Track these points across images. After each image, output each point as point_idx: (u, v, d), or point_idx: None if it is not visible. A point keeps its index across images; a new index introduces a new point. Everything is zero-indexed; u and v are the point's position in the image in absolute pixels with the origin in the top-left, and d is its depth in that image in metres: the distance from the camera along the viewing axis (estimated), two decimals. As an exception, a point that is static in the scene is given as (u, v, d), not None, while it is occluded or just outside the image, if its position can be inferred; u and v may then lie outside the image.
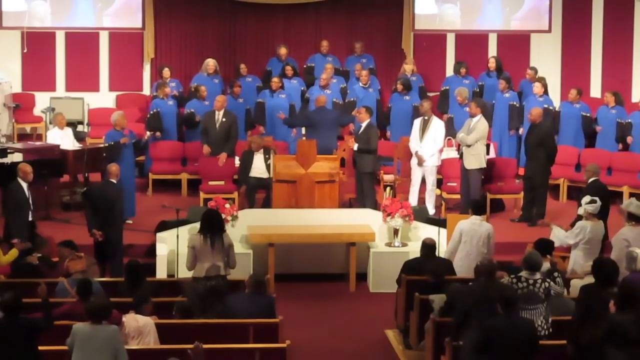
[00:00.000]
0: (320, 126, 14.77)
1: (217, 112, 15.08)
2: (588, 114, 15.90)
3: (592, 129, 15.78)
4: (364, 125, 14.28)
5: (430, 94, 17.13)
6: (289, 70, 16.87)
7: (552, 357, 8.56)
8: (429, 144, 14.44)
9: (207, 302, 9.83)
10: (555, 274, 9.34)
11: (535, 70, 16.81)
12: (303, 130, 15.54)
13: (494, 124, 16.10)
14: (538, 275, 8.95)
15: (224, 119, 15.05)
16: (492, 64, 17.08)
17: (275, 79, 16.33)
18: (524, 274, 8.95)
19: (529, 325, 8.31)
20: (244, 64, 17.05)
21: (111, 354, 8.00)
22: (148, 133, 14.83)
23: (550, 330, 8.94)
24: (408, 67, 17.24)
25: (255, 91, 16.75)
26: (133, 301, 9.34)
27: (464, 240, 11.19)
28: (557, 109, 16.13)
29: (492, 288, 8.64)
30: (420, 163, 14.41)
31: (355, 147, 14.10)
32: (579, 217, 11.50)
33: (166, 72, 16.50)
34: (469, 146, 14.02)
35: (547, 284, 8.96)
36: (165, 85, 15.93)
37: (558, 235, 11.18)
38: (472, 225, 11.20)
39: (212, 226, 10.26)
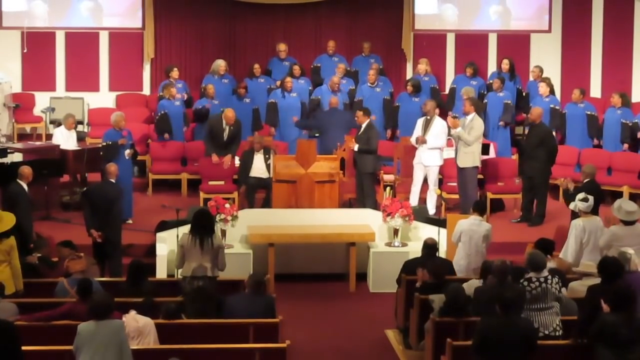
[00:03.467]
0: (330, 127, 14.82)
1: (224, 122, 14.98)
2: (594, 113, 15.89)
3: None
4: (363, 126, 14.27)
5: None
6: (296, 70, 16.84)
7: (562, 357, 8.58)
8: (430, 141, 14.40)
9: (194, 303, 9.81)
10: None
11: (540, 69, 16.81)
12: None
13: (487, 123, 16.11)
14: (546, 273, 8.94)
15: (231, 127, 14.97)
16: (505, 65, 17.01)
17: (288, 79, 16.33)
18: (532, 275, 8.91)
19: (527, 325, 8.29)
20: (258, 65, 17.02)
21: (117, 348, 8.00)
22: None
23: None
24: (422, 67, 17.22)
25: (267, 92, 16.72)
26: (142, 302, 9.34)
27: (463, 240, 11.27)
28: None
29: (502, 289, 8.60)
30: (420, 142, 14.30)
31: (356, 147, 14.10)
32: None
33: (175, 72, 16.48)
34: (469, 145, 14.00)
35: (557, 279, 8.96)
36: (172, 86, 15.91)
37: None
38: (472, 226, 11.27)
39: (202, 227, 10.26)
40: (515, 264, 10.78)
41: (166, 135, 15.71)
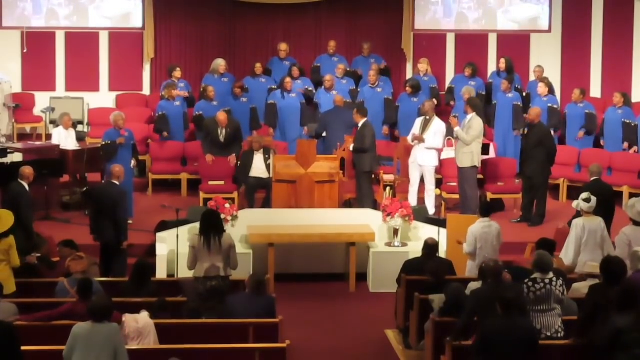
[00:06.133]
0: (332, 125, 14.84)
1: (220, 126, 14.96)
2: (593, 112, 15.88)
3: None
4: (360, 125, 14.28)
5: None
6: (295, 71, 16.79)
7: (562, 357, 8.56)
8: (427, 140, 14.40)
9: (208, 302, 9.84)
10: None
11: (542, 69, 16.79)
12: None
13: (496, 125, 16.11)
14: (551, 275, 8.90)
15: (228, 129, 14.95)
16: (502, 64, 16.99)
17: (287, 80, 16.30)
18: (537, 275, 8.85)
19: (528, 326, 8.28)
20: (259, 64, 17.01)
21: (111, 352, 7.99)
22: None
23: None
24: (422, 66, 17.21)
25: (267, 92, 16.68)
26: (154, 303, 9.36)
27: (479, 246, 10.92)
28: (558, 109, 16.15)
29: (499, 290, 8.58)
30: (417, 140, 14.32)
31: (351, 147, 14.11)
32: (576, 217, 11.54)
33: (177, 72, 16.47)
34: (467, 144, 14.00)
35: (561, 281, 8.91)
36: (173, 87, 15.89)
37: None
38: (484, 229, 10.96)
39: (210, 227, 10.25)
40: (516, 264, 10.80)
41: (165, 134, 15.69)
